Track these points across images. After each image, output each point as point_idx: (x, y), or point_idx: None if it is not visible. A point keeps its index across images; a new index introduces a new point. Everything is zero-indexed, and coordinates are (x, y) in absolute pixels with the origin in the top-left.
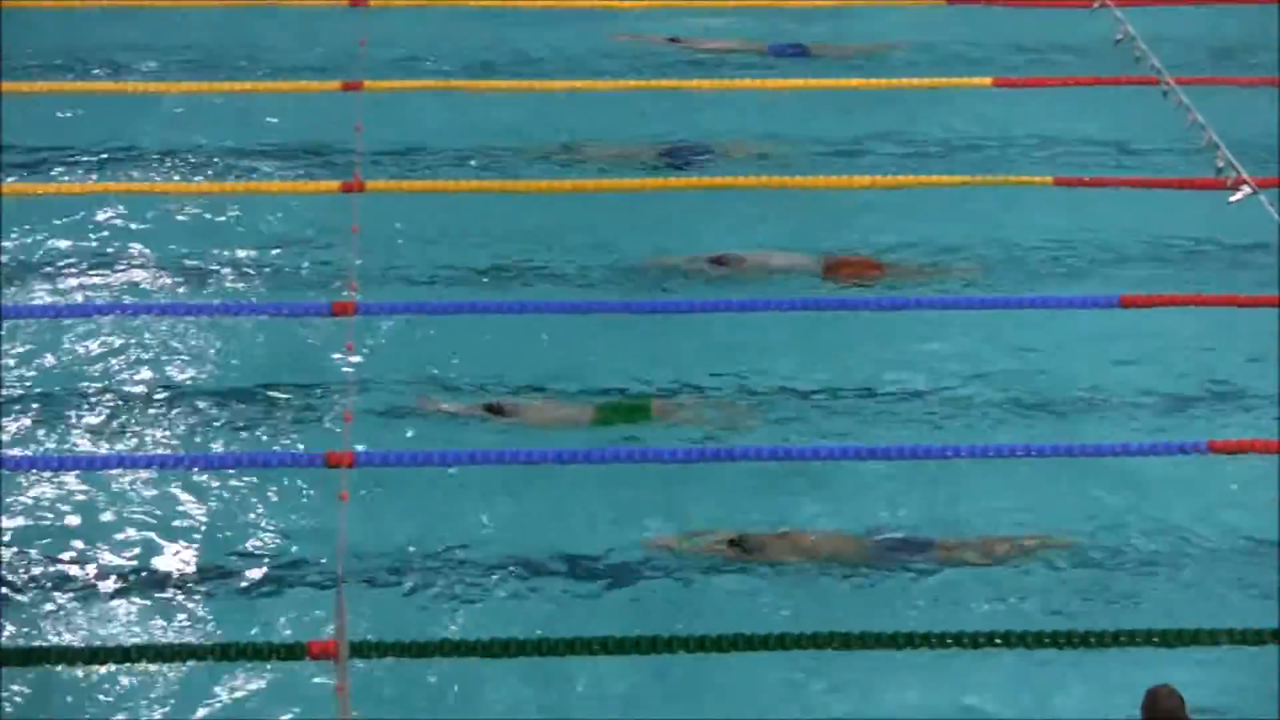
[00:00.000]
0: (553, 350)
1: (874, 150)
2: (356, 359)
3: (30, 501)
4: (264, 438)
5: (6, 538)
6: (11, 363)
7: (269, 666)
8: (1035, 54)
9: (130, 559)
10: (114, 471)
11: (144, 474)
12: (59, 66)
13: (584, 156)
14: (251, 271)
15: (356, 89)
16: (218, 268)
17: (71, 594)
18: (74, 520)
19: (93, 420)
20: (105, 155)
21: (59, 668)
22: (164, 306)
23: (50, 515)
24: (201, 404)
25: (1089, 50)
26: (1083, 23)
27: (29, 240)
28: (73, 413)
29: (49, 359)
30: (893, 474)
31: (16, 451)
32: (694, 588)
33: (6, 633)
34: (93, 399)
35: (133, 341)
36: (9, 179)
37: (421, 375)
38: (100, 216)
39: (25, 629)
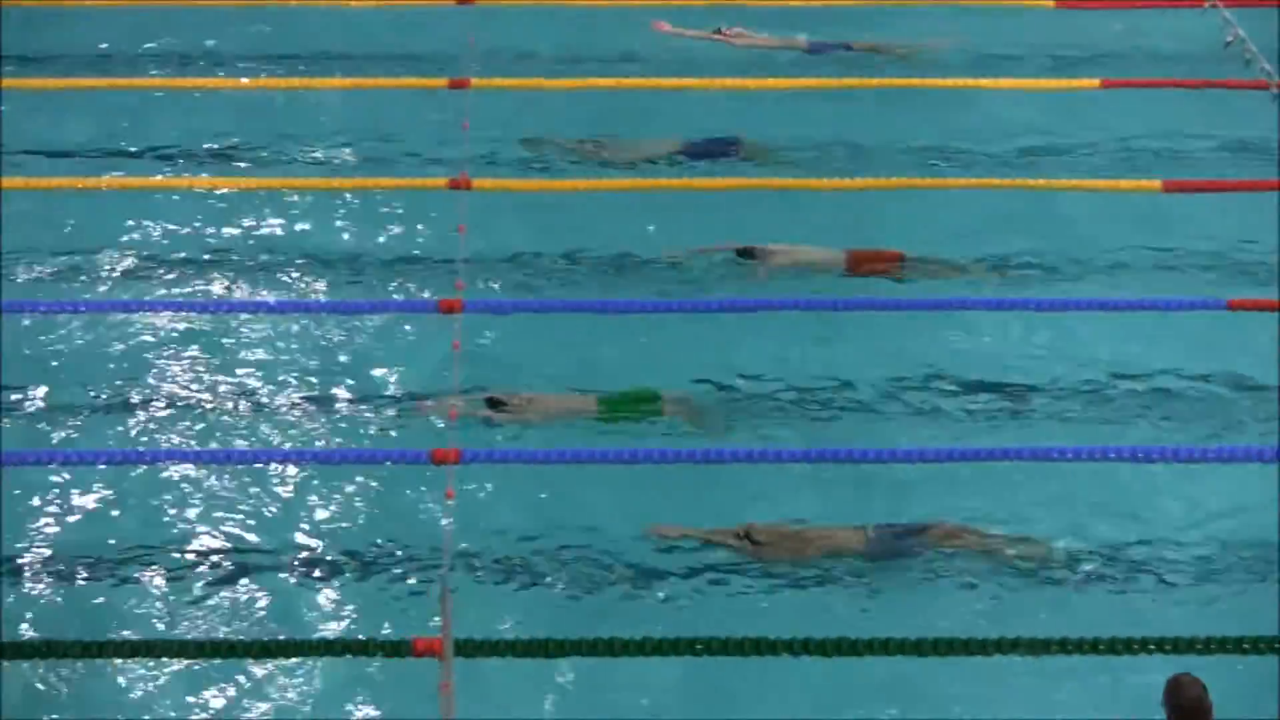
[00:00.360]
0: (657, 349)
1: (981, 152)
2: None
3: (136, 494)
4: (370, 434)
5: (125, 532)
6: (133, 358)
7: (373, 663)
8: (1141, 57)
9: (233, 554)
10: (220, 466)
11: (250, 468)
12: (185, 62)
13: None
14: (360, 269)
15: (463, 87)
16: (326, 265)
17: (176, 588)
18: (180, 514)
19: (202, 416)
20: (217, 150)
21: (177, 662)
22: (271, 304)
23: (158, 510)
24: (307, 399)
25: (1198, 54)
26: (1192, 25)
27: (141, 236)
28: (182, 408)
29: (163, 354)
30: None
31: (143, 447)
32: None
33: (116, 626)
34: (201, 394)
35: (244, 337)
36: (159, 174)
37: (527, 374)
38: (209, 213)
39: (134, 622)
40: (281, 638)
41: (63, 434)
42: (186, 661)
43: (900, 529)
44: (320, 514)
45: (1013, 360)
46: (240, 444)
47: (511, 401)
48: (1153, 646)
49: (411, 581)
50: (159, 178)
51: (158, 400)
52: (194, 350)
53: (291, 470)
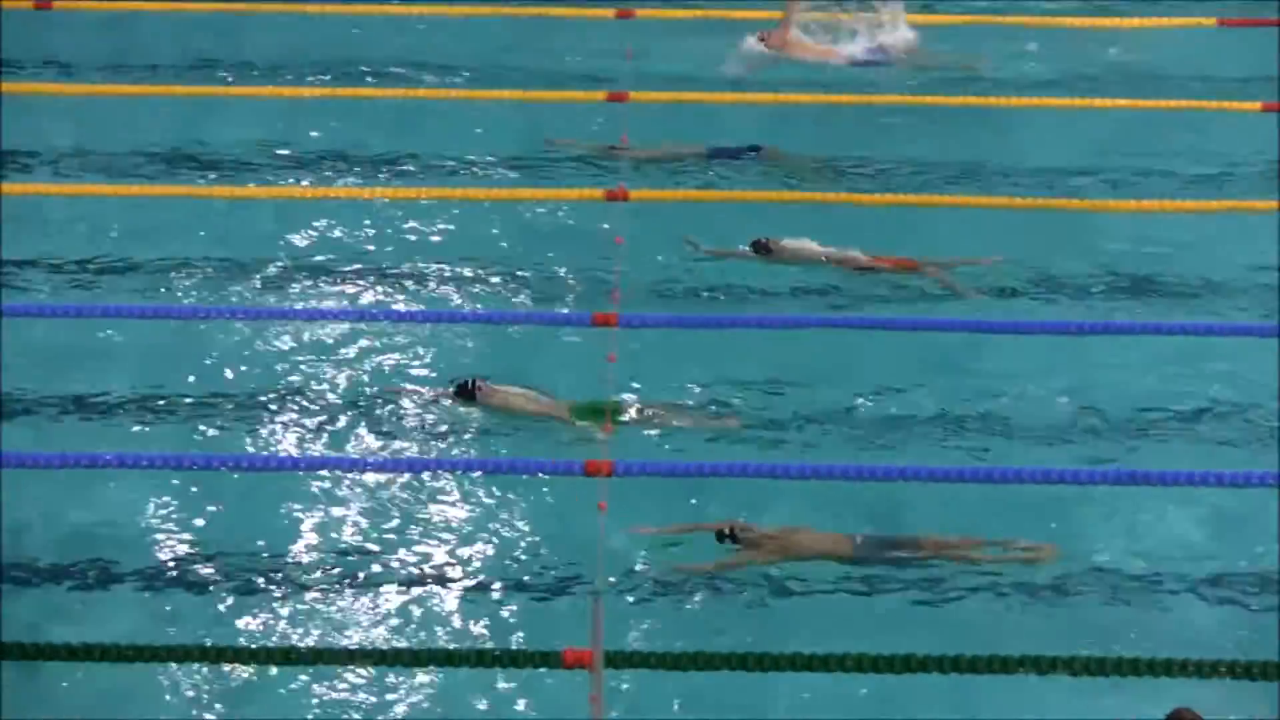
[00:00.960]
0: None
1: (1155, 171)
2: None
3: (302, 502)
4: (525, 445)
5: (297, 539)
6: (287, 365)
7: (524, 674)
8: None
9: (384, 562)
10: (372, 474)
11: (399, 478)
12: (346, 74)
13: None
14: (515, 279)
15: (622, 100)
16: (481, 274)
17: (324, 596)
18: (328, 523)
19: (350, 423)
20: (383, 160)
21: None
22: (426, 313)
23: (307, 516)
24: (460, 409)
25: None
26: None
27: (298, 243)
28: (334, 414)
29: (314, 360)
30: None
31: (294, 451)
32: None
33: (284, 631)
34: (350, 402)
35: (398, 345)
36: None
37: (681, 388)
38: (373, 220)
39: (287, 629)
40: (434, 647)
41: (211, 433)
42: (337, 668)
43: (889, 539)
44: (472, 524)
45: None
46: (392, 452)
47: (480, 390)
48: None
49: (562, 593)
50: (314, 186)
51: (311, 406)
52: (346, 357)
53: (444, 479)
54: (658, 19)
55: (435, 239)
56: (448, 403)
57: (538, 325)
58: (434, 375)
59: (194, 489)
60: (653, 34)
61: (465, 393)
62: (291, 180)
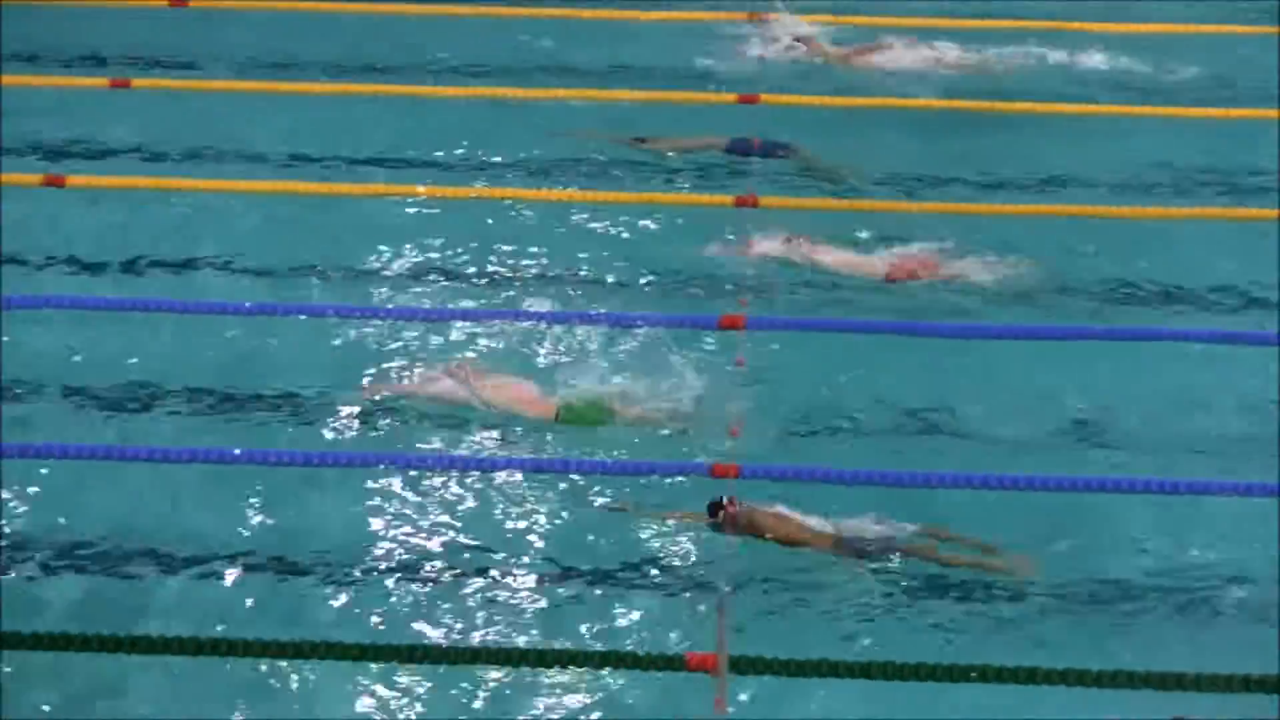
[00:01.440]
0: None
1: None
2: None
3: (425, 497)
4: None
5: (421, 535)
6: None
7: (646, 676)
8: None
9: (510, 564)
10: (496, 474)
11: (513, 477)
12: (476, 71)
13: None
14: (644, 283)
15: (753, 102)
16: (608, 277)
17: (445, 595)
18: (445, 521)
19: (475, 426)
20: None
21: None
22: (553, 314)
23: (427, 515)
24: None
25: None
26: None
27: (429, 243)
28: (460, 417)
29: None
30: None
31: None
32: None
33: (406, 629)
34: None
35: (519, 348)
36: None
37: (810, 394)
38: (488, 223)
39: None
40: (557, 647)
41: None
42: (461, 667)
43: (868, 538)
44: (597, 527)
45: None
46: (520, 454)
47: (458, 374)
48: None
49: (686, 596)
50: (451, 186)
51: (430, 406)
52: (471, 357)
53: (568, 481)
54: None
55: (561, 242)
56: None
57: (665, 328)
58: (555, 376)
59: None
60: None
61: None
62: (424, 181)
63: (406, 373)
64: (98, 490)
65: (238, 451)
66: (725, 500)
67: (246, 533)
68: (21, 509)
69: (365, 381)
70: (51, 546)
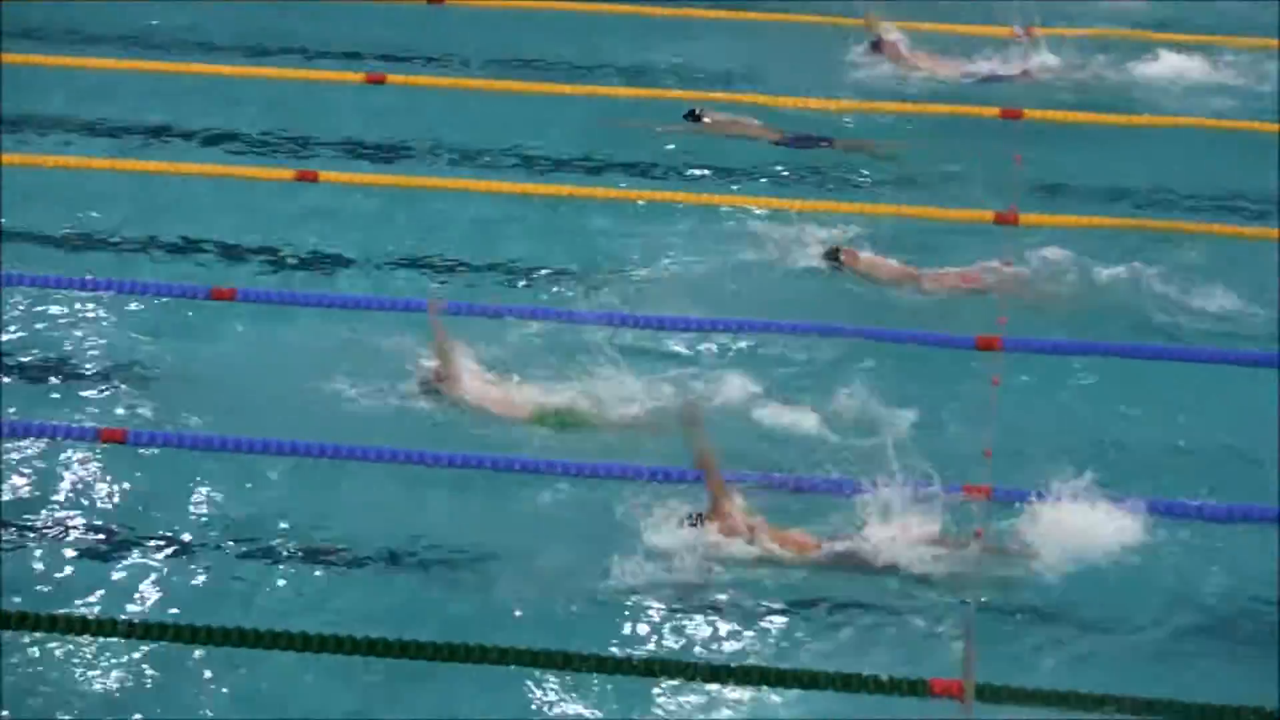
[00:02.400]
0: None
1: None
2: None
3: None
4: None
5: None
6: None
7: (889, 701)
8: None
9: (748, 586)
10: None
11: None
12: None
13: None
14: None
15: (1016, 117)
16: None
17: (686, 613)
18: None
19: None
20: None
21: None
22: (809, 325)
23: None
24: (817, 427)
25: None
26: None
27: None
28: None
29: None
30: None
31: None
32: None
33: (660, 646)
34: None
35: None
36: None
37: (1063, 417)
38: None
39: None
40: (794, 667)
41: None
42: (683, 681)
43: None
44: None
45: None
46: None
47: (442, 375)
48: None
49: (931, 620)
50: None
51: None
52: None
53: (826, 500)
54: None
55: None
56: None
57: (920, 345)
58: (796, 391)
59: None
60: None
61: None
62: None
63: None
64: None
65: None
66: None
67: None
68: None
69: None
70: None
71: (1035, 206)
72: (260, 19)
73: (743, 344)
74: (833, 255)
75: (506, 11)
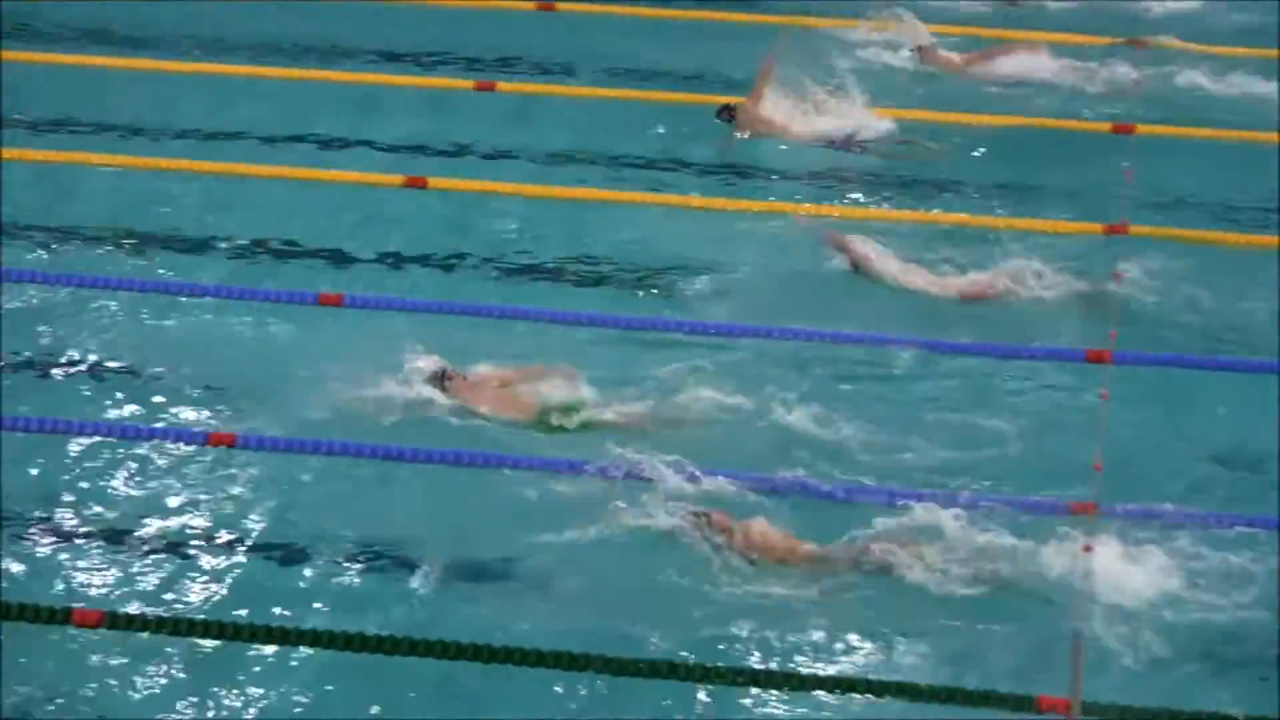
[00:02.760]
0: None
1: None
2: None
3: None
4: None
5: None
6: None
7: (995, 715)
8: None
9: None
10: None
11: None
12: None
13: None
14: (1005, 312)
15: (1128, 132)
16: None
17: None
18: None
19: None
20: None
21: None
22: (914, 340)
23: None
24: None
25: None
26: None
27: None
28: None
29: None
30: None
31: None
32: None
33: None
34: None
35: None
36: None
37: (1170, 434)
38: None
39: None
40: (903, 681)
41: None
42: (805, 693)
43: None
44: (946, 561)
45: None
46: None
47: (453, 381)
48: None
49: (1039, 633)
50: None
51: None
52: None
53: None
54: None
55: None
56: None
57: (1028, 360)
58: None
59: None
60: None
61: (440, 379)
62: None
63: None
64: None
65: None
66: None
67: None
68: None
69: None
70: None
71: (1146, 220)
72: (380, 25)
73: (847, 355)
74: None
75: (616, 18)
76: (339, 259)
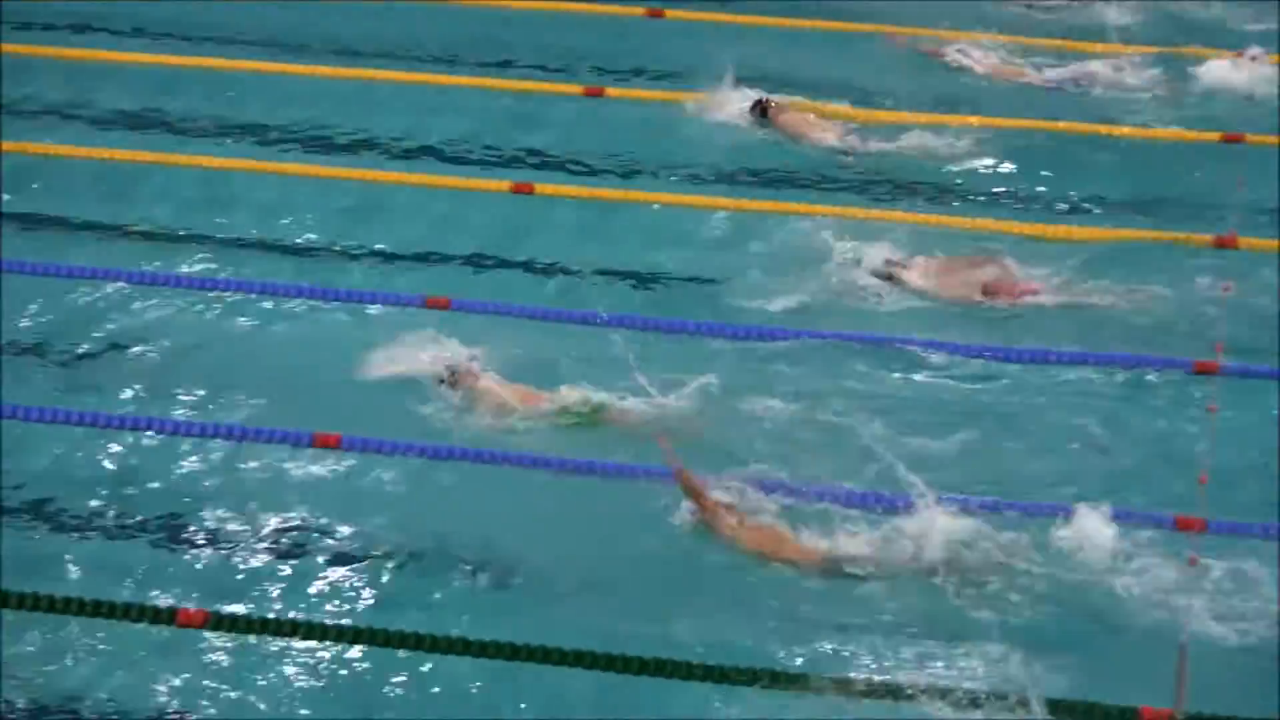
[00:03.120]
0: None
1: None
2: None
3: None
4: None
5: None
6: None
7: None
8: None
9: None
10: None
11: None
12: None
13: None
14: (1109, 324)
15: (1237, 141)
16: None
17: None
18: None
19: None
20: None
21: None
22: (1025, 351)
23: None
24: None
25: None
26: None
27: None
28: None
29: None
30: None
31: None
32: None
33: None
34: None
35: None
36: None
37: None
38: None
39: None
40: (996, 689)
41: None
42: (894, 701)
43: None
44: (1051, 570)
45: None
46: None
47: (463, 378)
48: None
49: (1142, 646)
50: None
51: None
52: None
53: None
54: None
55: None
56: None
57: (1135, 370)
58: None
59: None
60: None
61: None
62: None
63: None
64: None
65: None
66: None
67: None
68: None
69: None
70: None
71: (1256, 231)
72: (480, 30)
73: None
74: (886, 273)
75: (722, 25)
76: (444, 263)
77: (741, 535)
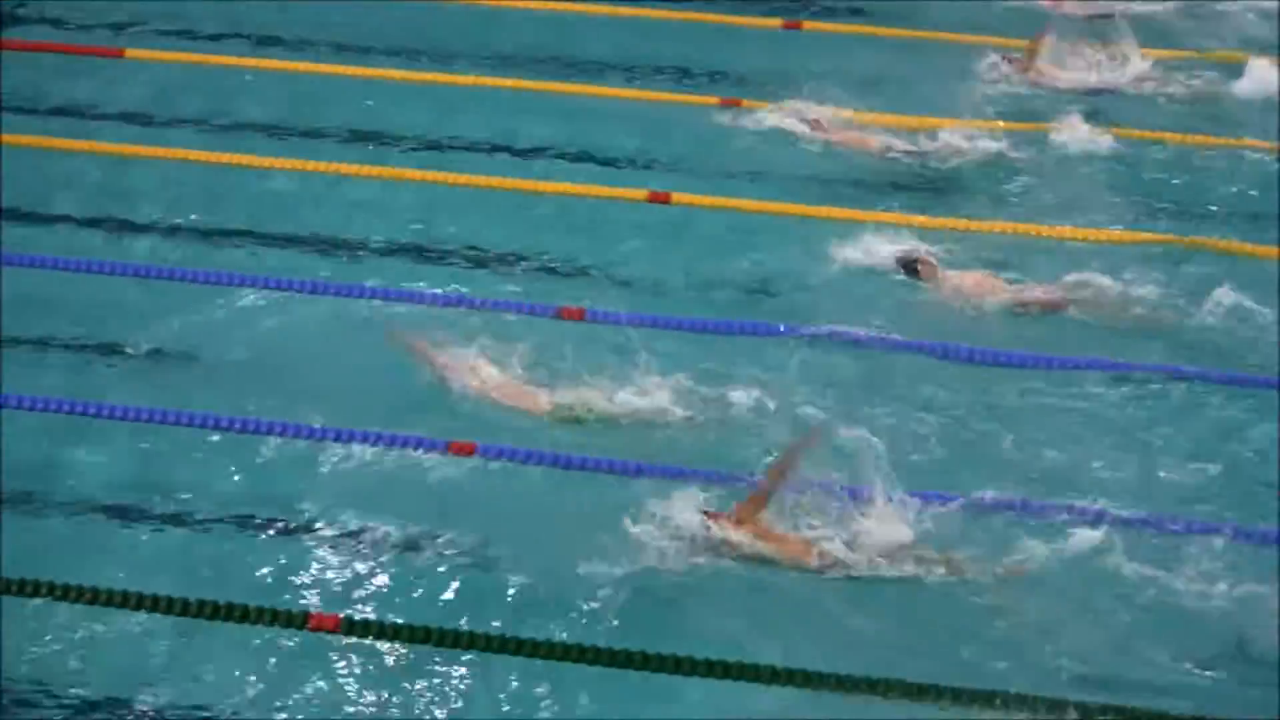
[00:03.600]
0: None
1: None
2: None
3: None
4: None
5: None
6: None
7: None
8: None
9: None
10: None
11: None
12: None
13: None
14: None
15: None
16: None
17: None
18: None
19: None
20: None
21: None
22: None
23: None
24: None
25: None
26: None
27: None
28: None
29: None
30: None
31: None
32: None
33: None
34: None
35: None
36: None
37: None
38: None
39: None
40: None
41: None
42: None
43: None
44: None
45: None
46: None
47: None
48: None
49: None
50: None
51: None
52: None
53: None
54: None
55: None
56: None
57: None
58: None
59: None
60: None
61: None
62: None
63: None
64: None
65: None
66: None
67: None
68: None
69: None
70: None
71: None
72: (622, 39)
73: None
74: (909, 267)
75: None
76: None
77: (767, 541)
